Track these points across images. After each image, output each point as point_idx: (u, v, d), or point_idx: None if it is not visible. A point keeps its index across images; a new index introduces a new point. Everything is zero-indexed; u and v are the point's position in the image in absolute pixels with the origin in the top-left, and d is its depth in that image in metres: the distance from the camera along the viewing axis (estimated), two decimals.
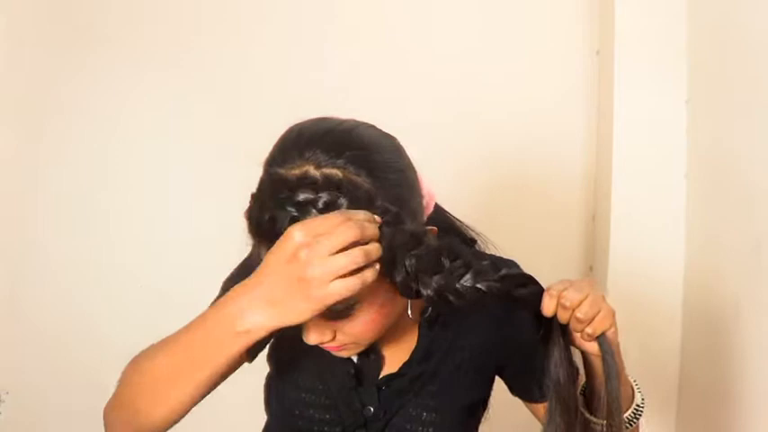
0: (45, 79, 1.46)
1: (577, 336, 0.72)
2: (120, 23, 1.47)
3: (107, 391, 1.50)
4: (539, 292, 0.69)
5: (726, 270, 1.20)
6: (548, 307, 0.69)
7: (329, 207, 0.63)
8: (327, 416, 0.83)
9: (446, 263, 0.65)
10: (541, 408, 0.89)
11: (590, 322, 0.69)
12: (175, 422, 0.73)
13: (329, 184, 0.64)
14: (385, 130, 0.73)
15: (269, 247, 0.63)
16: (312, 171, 0.65)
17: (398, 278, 0.64)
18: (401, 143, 0.73)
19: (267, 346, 0.89)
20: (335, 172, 0.65)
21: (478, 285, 0.64)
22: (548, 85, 1.50)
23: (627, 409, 0.79)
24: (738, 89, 1.16)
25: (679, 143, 1.36)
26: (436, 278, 0.64)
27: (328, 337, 0.71)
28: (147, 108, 1.47)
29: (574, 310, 0.68)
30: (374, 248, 0.61)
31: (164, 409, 0.71)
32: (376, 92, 1.47)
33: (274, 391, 0.89)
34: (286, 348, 0.86)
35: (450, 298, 0.65)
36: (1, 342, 1.47)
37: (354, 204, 0.63)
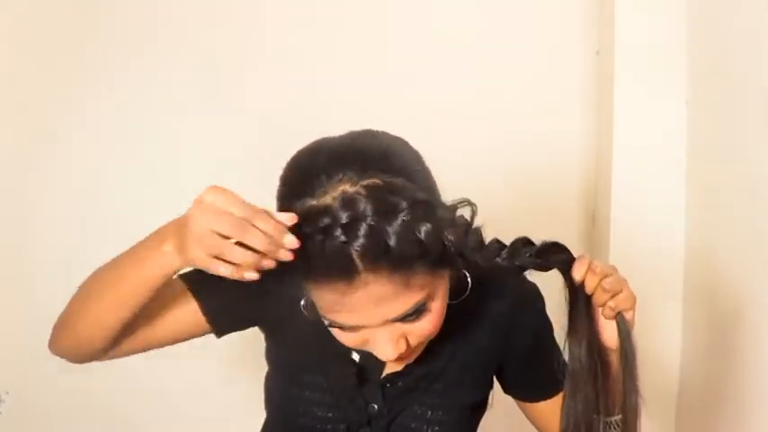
0: (46, 79, 1.46)
1: (598, 316, 0.73)
2: (121, 23, 1.47)
3: (107, 392, 1.51)
4: (569, 259, 0.71)
5: (726, 270, 1.20)
6: (579, 270, 0.70)
7: (387, 215, 0.61)
8: (330, 414, 0.83)
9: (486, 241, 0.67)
10: (535, 407, 0.90)
11: (614, 295, 0.71)
12: (110, 342, 0.75)
13: (374, 194, 0.61)
14: (384, 129, 0.73)
15: (329, 284, 0.64)
16: (349, 189, 0.62)
17: (459, 261, 0.66)
18: None
19: (267, 347, 0.89)
20: (374, 181, 0.63)
21: (518, 262, 0.67)
22: (548, 85, 1.50)
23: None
24: (738, 89, 1.16)
25: (679, 143, 1.35)
26: (481, 254, 0.66)
27: (404, 345, 0.70)
28: (149, 108, 1.47)
29: (601, 280, 0.70)
30: (243, 257, 0.61)
31: (96, 318, 0.74)
32: (374, 91, 1.47)
33: (275, 389, 0.88)
34: (287, 346, 0.86)
35: (495, 270, 0.67)
36: (1, 342, 1.47)
37: (406, 207, 0.61)
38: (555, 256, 0.69)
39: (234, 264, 0.62)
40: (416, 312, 0.68)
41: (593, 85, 1.49)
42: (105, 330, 0.74)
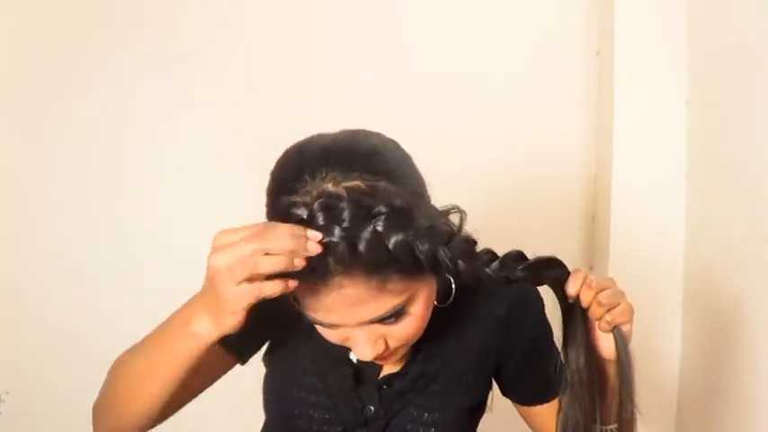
0: (47, 80, 1.46)
1: (594, 327, 0.72)
2: (122, 24, 1.47)
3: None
4: (564, 274, 0.69)
5: (726, 270, 1.19)
6: (573, 285, 0.69)
7: (361, 221, 0.60)
8: (327, 416, 0.83)
9: (476, 249, 0.65)
10: (533, 410, 0.90)
11: (611, 309, 0.70)
12: (156, 419, 0.75)
13: (353, 197, 0.61)
14: (383, 129, 0.72)
15: (305, 283, 0.63)
16: (331, 189, 0.62)
17: (439, 269, 0.64)
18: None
19: (265, 347, 0.89)
20: (356, 183, 0.62)
21: (507, 273, 0.65)
22: (548, 85, 1.50)
23: None
24: (738, 89, 1.16)
25: (679, 143, 1.35)
26: (469, 263, 0.64)
27: (382, 346, 0.70)
28: (149, 109, 1.47)
29: (597, 294, 0.69)
30: (274, 262, 0.59)
31: (138, 406, 0.73)
32: (375, 91, 1.47)
33: (273, 390, 0.88)
34: (284, 348, 0.86)
35: (483, 280, 0.65)
36: (1, 342, 1.47)
37: (387, 213, 0.61)
38: (548, 271, 0.68)
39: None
40: (395, 315, 0.67)
41: (593, 85, 1.49)
42: (146, 416, 0.73)
